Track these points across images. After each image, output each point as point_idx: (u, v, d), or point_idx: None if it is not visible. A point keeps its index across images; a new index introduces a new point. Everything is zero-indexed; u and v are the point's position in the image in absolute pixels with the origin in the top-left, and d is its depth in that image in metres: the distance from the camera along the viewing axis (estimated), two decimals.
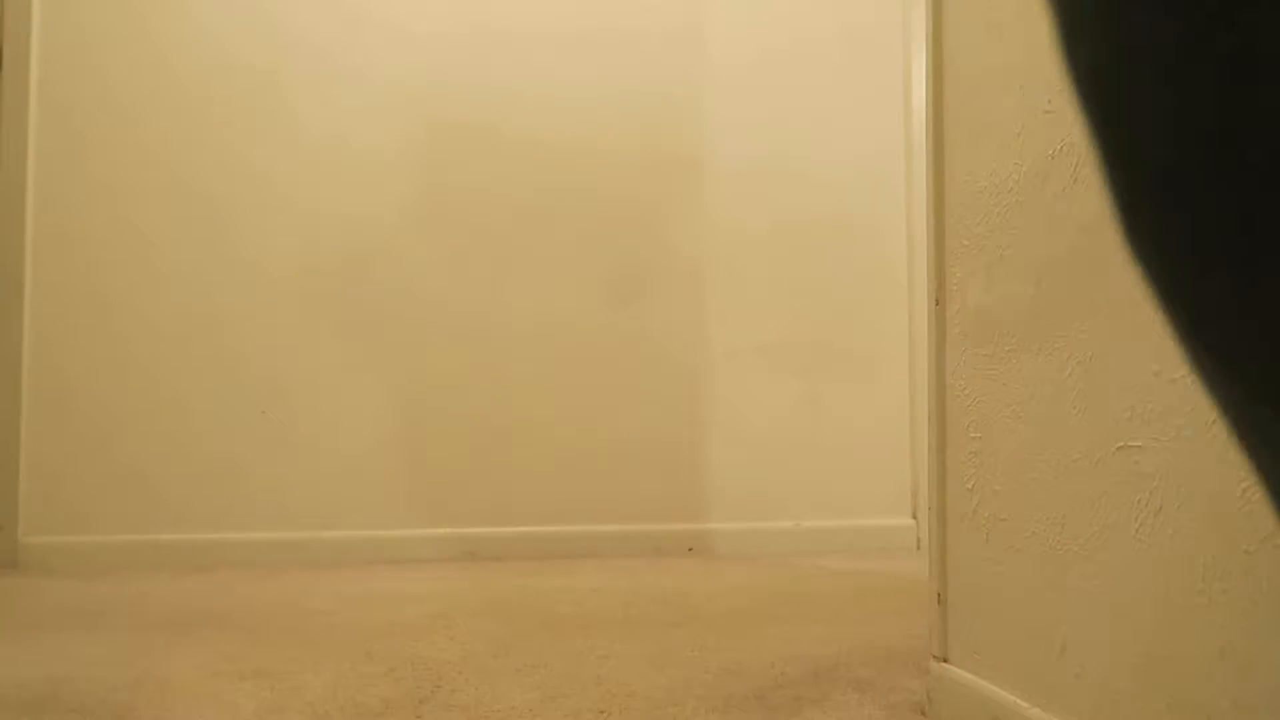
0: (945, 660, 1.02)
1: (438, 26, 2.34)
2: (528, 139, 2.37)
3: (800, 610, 1.67)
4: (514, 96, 2.37)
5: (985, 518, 0.95)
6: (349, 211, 2.29)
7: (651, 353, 2.39)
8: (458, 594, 1.84)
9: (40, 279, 2.17)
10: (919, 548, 2.42)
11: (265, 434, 2.23)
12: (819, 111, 2.49)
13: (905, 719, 1.04)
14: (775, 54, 2.49)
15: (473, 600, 1.77)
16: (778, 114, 2.48)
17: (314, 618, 1.60)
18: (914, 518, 2.47)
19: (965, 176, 0.99)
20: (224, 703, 1.09)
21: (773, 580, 1.93)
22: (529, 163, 2.37)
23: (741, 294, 2.44)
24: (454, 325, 2.32)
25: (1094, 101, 0.34)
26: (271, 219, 2.27)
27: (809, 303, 2.46)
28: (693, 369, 2.40)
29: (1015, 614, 0.90)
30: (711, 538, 2.36)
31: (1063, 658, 0.82)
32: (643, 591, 1.86)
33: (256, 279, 2.25)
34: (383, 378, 2.29)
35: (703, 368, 2.40)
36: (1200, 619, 0.66)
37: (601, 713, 1.06)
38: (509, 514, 2.29)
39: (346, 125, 2.30)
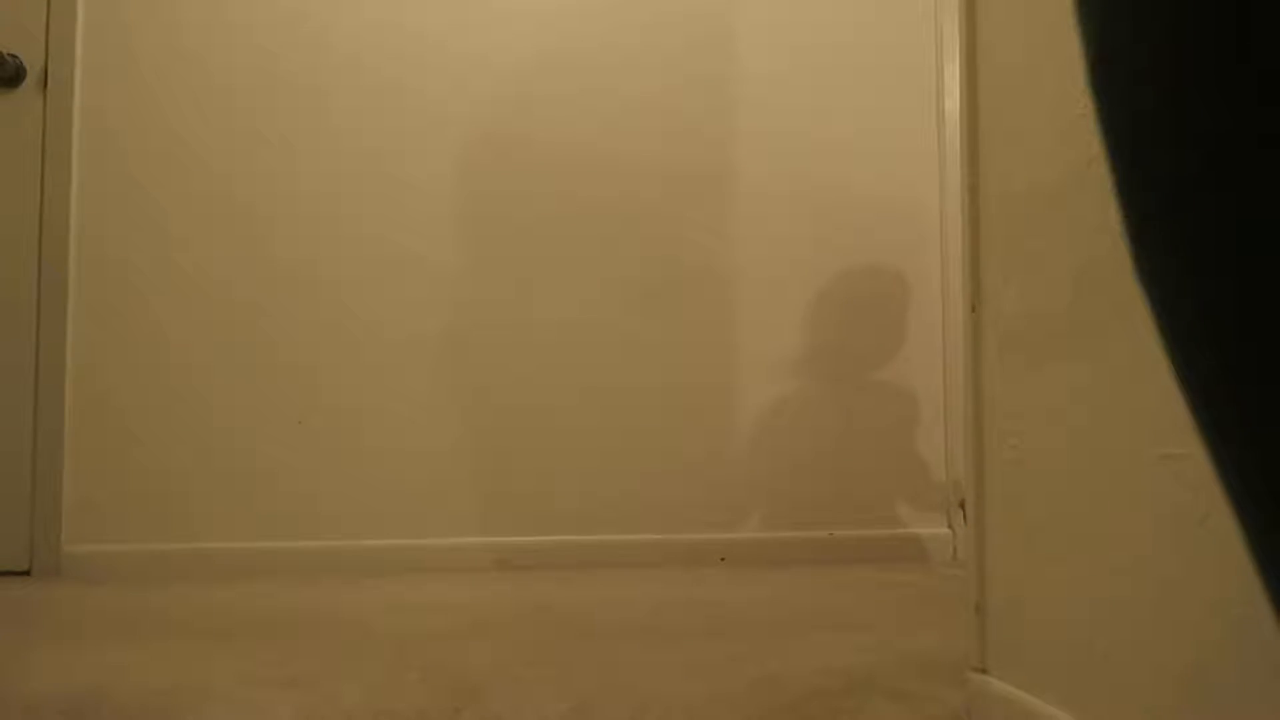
0: (984, 672, 1.00)
1: (474, 41, 2.37)
2: (558, 149, 2.38)
3: (835, 620, 1.65)
4: (546, 106, 2.38)
5: (1024, 527, 0.94)
6: (383, 219, 2.31)
7: (682, 361, 2.39)
8: (490, 603, 1.84)
9: (83, 293, 2.21)
10: (955, 557, 2.39)
11: (302, 444, 2.25)
12: (851, 118, 2.48)
13: None
14: (806, 61, 2.48)
15: (505, 609, 1.77)
16: (809, 120, 2.47)
17: (349, 626, 1.61)
18: (949, 527, 2.45)
19: (1000, 181, 0.98)
20: (261, 709, 1.10)
21: (806, 590, 1.92)
22: (559, 172, 2.38)
23: (772, 302, 2.43)
24: (484, 332, 2.34)
25: (1116, 127, 0.34)
26: (311, 230, 2.29)
27: (840, 310, 2.45)
28: (724, 378, 2.40)
29: (1056, 625, 0.88)
30: (744, 547, 2.34)
31: (1105, 670, 0.80)
32: (675, 601, 1.85)
33: (294, 291, 2.28)
34: (416, 387, 2.30)
35: (734, 377, 2.40)
36: (1250, 632, 0.65)
37: None
38: (541, 522, 2.30)
39: (382, 135, 2.32)
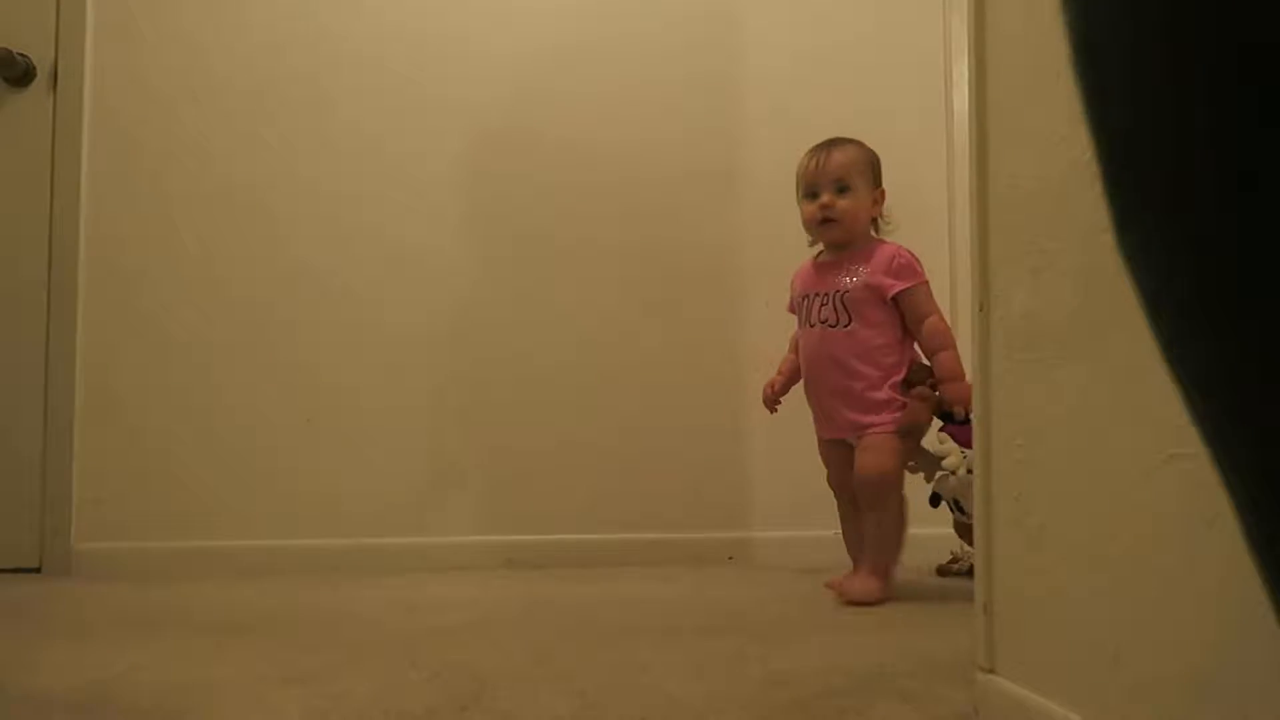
0: (992, 671, 1.00)
1: (481, 38, 2.37)
2: (566, 147, 2.38)
3: (842, 619, 1.65)
4: (553, 104, 2.38)
5: (1032, 527, 0.94)
6: (388, 216, 2.32)
7: (689, 360, 2.38)
8: (498, 601, 1.84)
9: (92, 290, 2.22)
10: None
11: (311, 443, 2.26)
12: (858, 117, 2.47)
13: None
14: (814, 59, 2.47)
15: (513, 607, 1.78)
16: (817, 119, 2.46)
17: (358, 624, 1.61)
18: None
19: (1009, 180, 0.98)
20: (271, 707, 1.11)
21: (813, 589, 1.91)
22: (567, 169, 2.38)
23: (779, 301, 2.42)
24: (491, 331, 2.34)
25: (1104, 122, 0.34)
26: (318, 228, 2.30)
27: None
28: (730, 376, 2.39)
29: (1064, 625, 0.88)
30: (751, 546, 2.34)
31: (1114, 670, 0.80)
32: (682, 599, 1.85)
33: (301, 289, 2.29)
34: (422, 384, 2.31)
35: (740, 375, 2.39)
36: (1258, 632, 0.65)
37: None
38: (548, 521, 2.30)
39: (389, 133, 2.33)
